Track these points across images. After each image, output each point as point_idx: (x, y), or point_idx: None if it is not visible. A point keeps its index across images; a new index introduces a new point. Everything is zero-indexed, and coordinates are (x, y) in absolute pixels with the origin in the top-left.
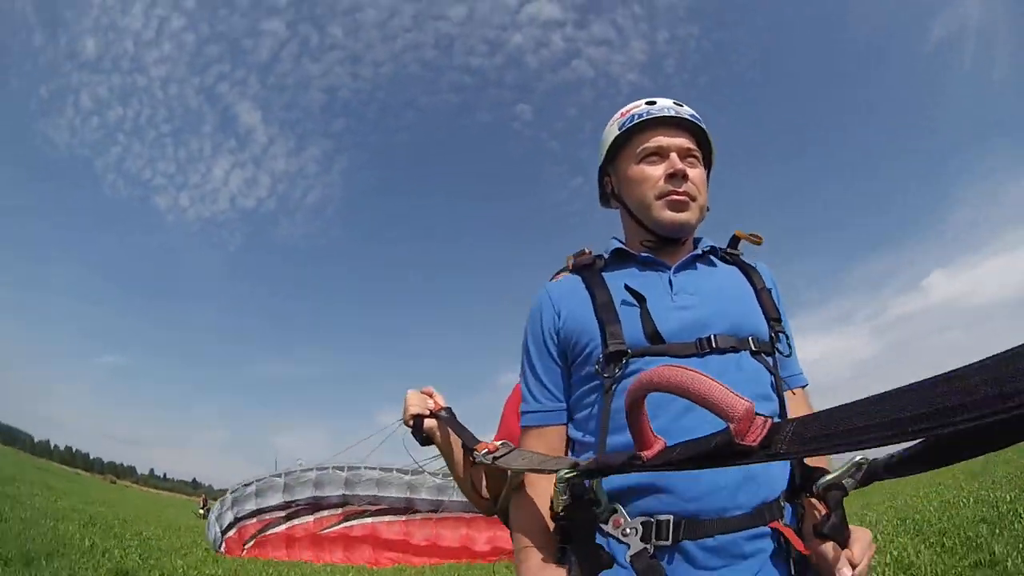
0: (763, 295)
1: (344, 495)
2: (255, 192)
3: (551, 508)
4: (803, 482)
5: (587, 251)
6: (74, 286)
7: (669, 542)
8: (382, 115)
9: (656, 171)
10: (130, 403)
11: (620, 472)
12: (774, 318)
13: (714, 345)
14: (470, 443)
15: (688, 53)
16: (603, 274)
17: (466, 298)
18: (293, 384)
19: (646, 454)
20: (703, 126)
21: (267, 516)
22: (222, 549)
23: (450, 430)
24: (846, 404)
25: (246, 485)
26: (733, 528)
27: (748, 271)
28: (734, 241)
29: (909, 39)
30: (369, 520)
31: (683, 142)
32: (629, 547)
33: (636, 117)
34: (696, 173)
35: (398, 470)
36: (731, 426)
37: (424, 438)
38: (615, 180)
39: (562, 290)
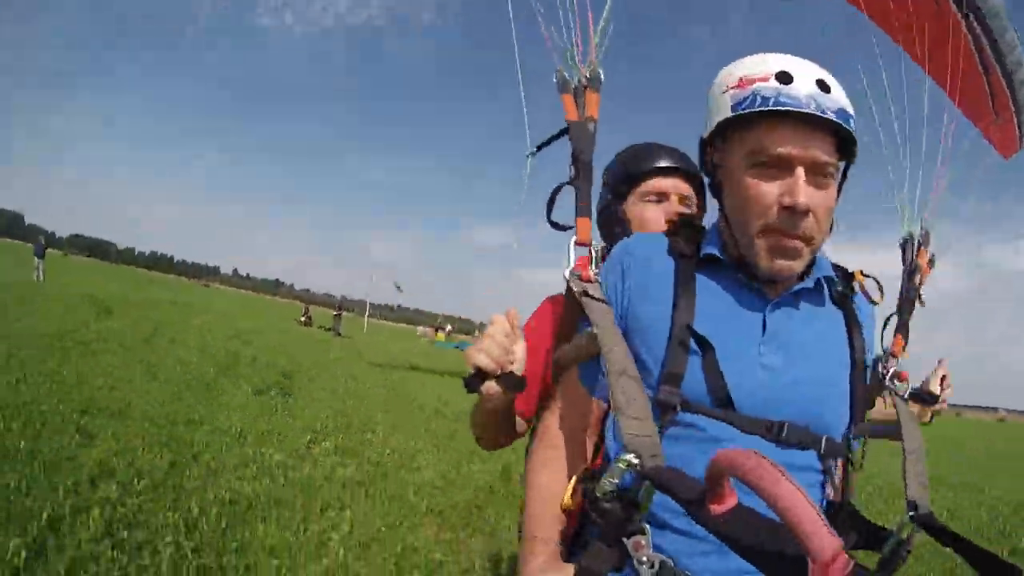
0: (858, 376)
1: None
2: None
3: (579, 483)
4: None
5: (697, 220)
6: (164, 97)
7: None
8: None
9: (771, 191)
10: (213, 204)
11: (680, 504)
12: (859, 411)
13: (782, 438)
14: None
15: None
16: (697, 275)
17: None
18: (384, 193)
19: (715, 507)
20: (851, 127)
21: None
22: None
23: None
24: None
25: None
26: None
27: (852, 327)
28: (847, 278)
29: None
30: None
31: (817, 155)
32: None
33: (759, 101)
34: (822, 199)
35: None
36: (811, 564)
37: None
38: (719, 168)
39: (645, 256)
